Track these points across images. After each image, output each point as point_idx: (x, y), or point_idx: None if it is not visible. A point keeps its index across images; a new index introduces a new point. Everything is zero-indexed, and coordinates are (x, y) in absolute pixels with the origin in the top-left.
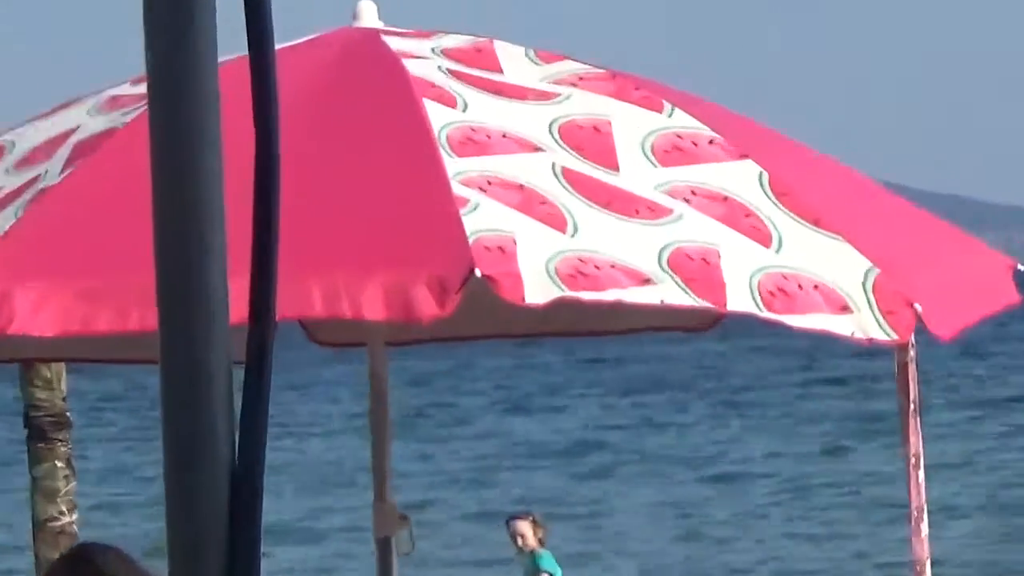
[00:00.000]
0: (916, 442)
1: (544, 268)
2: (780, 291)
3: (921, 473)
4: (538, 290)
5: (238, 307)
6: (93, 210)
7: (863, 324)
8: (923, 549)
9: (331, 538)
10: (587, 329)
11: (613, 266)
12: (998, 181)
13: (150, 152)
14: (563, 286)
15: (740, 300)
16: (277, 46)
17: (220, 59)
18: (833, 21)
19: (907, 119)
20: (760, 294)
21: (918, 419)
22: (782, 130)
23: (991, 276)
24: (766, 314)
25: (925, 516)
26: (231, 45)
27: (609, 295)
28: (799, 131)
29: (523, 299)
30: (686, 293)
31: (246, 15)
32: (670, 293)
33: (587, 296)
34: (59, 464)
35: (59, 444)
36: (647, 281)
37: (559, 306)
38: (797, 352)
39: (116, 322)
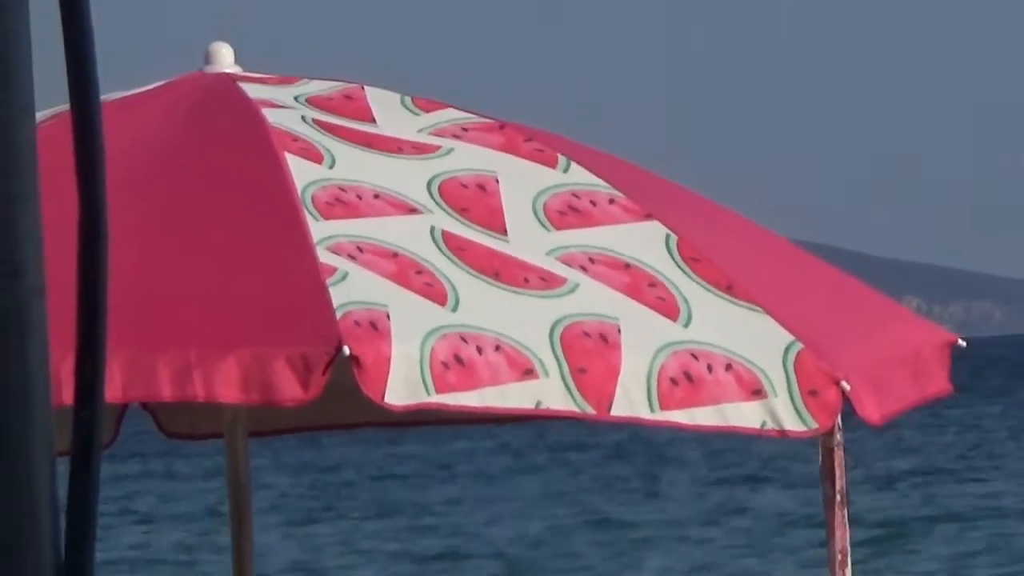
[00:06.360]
0: (843, 536)
1: (419, 351)
2: (685, 376)
3: (848, 571)
4: (401, 387)
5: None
6: None
7: (776, 413)
8: None
9: None
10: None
11: (498, 347)
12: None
13: None
14: (431, 386)
15: (629, 398)
16: (118, 95)
17: (44, 112)
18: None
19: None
20: (659, 384)
21: (845, 511)
22: (696, 187)
23: (927, 354)
24: (657, 415)
25: None
26: (53, 96)
27: (480, 398)
28: (712, 185)
29: (381, 396)
30: (568, 392)
31: (67, 59)
32: (550, 392)
33: (452, 401)
34: None
35: None
36: (528, 373)
37: None
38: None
39: None
